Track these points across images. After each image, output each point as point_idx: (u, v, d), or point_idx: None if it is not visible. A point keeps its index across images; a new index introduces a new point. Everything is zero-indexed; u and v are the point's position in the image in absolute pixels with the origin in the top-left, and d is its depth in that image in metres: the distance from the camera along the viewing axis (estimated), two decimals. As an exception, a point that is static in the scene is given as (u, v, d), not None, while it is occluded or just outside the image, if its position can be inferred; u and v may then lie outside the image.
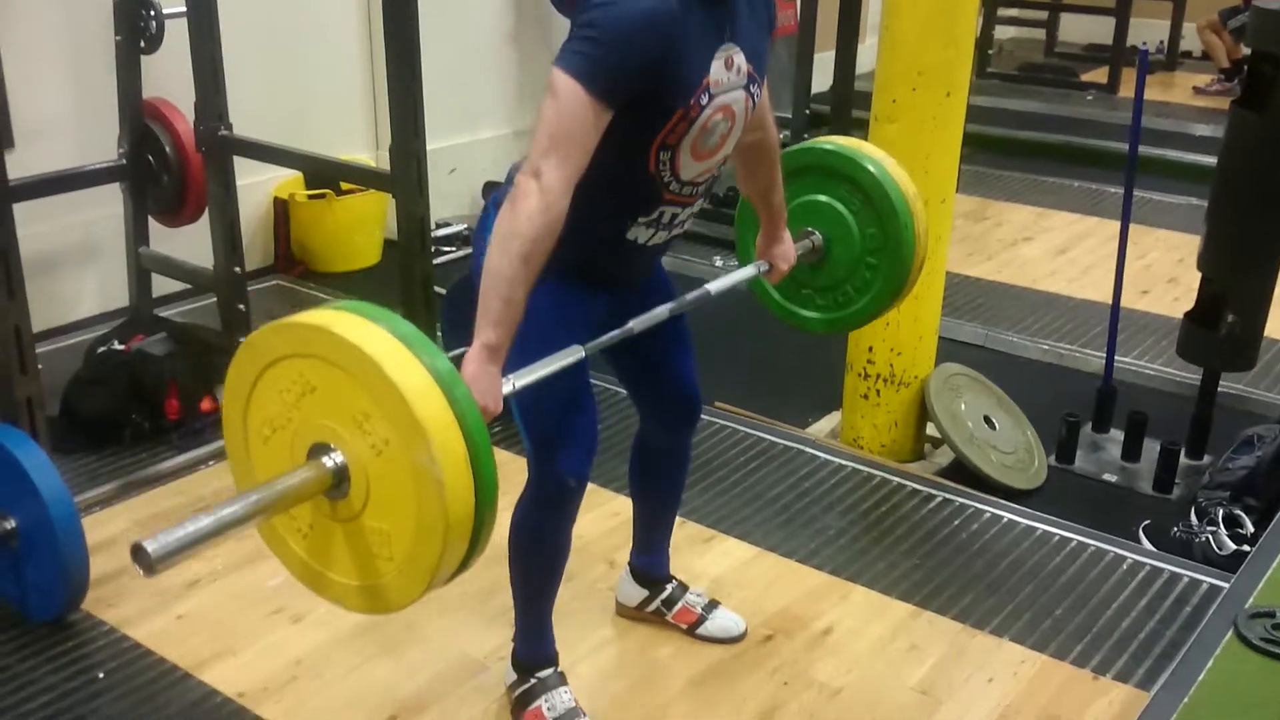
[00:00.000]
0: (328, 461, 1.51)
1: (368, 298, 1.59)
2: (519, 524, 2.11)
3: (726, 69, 1.85)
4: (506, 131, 5.32)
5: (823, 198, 2.40)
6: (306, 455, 1.54)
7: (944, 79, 2.97)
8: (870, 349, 3.20)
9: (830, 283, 2.45)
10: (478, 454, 1.47)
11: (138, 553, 1.36)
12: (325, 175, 4.29)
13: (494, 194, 2.01)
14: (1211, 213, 3.21)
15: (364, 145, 4.84)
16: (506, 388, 1.74)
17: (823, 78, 5.31)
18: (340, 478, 1.52)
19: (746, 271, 2.26)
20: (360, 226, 4.66)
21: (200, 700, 2.32)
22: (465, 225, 4.94)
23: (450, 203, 4.95)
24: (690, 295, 2.08)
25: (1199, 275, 3.29)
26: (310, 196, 4.56)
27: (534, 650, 2.22)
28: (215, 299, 3.77)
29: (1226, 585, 2.60)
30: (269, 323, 1.55)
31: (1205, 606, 2.59)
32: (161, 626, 2.53)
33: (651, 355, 2.21)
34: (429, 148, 3.21)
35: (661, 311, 2.00)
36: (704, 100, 1.82)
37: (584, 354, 1.86)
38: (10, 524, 2.41)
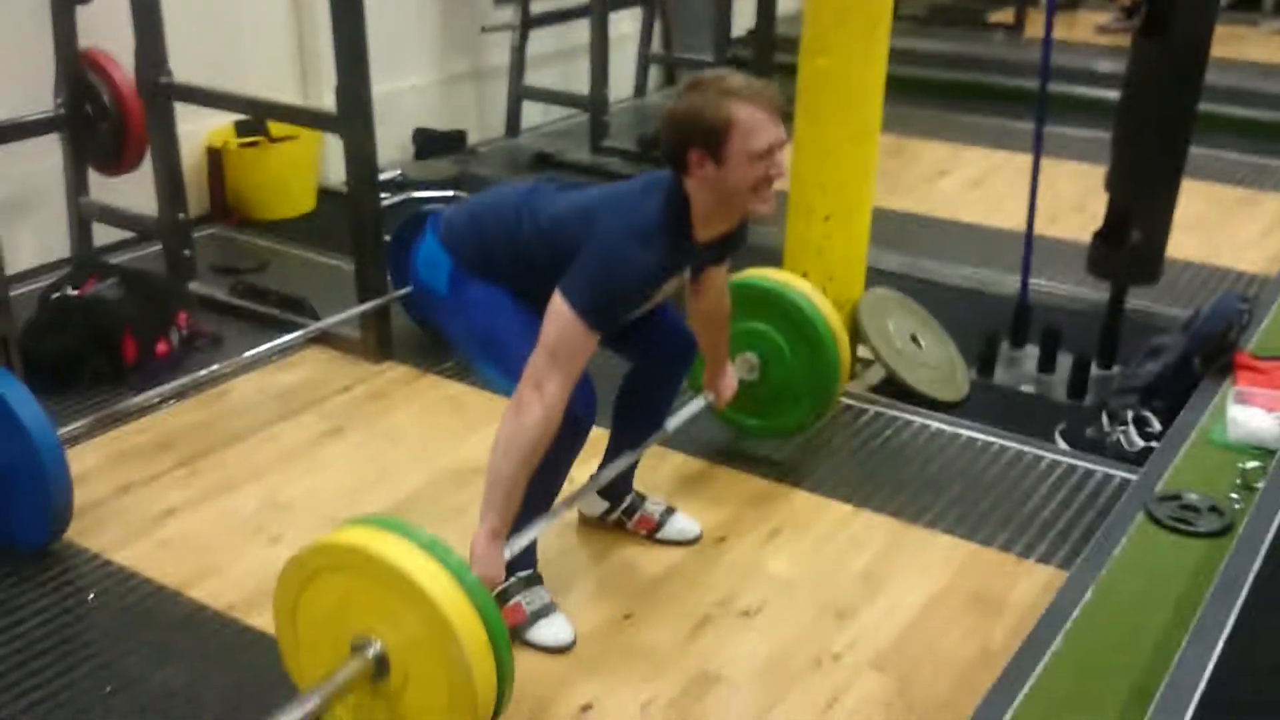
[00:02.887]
0: (369, 652, 1.86)
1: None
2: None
3: (674, 283, 2.29)
4: (433, 79, 5.38)
5: (760, 325, 2.87)
6: (350, 647, 1.87)
7: (869, 13, 3.13)
8: (805, 275, 3.37)
9: (767, 396, 2.93)
10: (496, 637, 1.81)
11: None
12: (271, 118, 4.32)
13: (430, 218, 2.39)
14: (1117, 137, 3.43)
15: (293, 91, 4.85)
16: (506, 554, 2.14)
17: (743, 20, 5.45)
18: (381, 665, 1.86)
19: (697, 404, 2.71)
20: (294, 173, 4.71)
21: (192, 614, 2.44)
22: (399, 171, 5.02)
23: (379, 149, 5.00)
24: (650, 438, 2.59)
25: (1105, 202, 3.52)
26: (242, 145, 4.60)
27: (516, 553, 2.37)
28: (157, 247, 3.84)
29: (1135, 477, 2.85)
30: (311, 543, 1.92)
31: (1118, 496, 2.83)
32: (144, 551, 2.63)
33: (638, 322, 2.41)
34: None
35: (628, 460, 2.56)
36: (650, 301, 2.26)
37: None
38: (-7, 457, 2.48)
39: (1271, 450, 2.76)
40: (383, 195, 4.78)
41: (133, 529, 2.71)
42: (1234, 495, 2.62)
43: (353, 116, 3.22)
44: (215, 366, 3.15)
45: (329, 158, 4.85)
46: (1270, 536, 2.42)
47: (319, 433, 3.13)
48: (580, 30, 5.55)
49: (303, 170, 4.73)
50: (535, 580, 2.39)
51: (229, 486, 2.89)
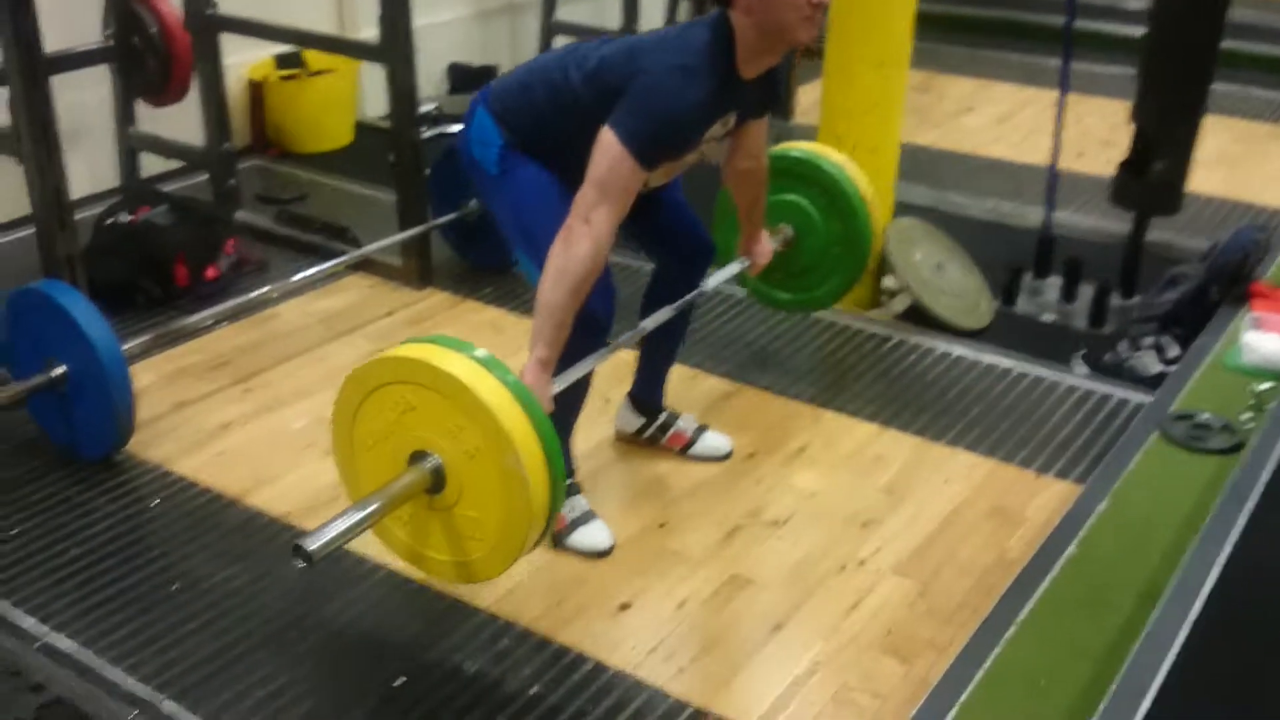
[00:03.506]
0: (427, 465, 1.91)
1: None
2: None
3: (722, 127, 2.32)
4: (467, 13, 5.45)
5: (793, 197, 2.91)
6: (407, 461, 1.93)
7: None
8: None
9: (798, 269, 2.99)
10: (550, 453, 1.87)
11: (298, 550, 1.79)
12: (318, 48, 4.40)
13: (480, 93, 2.43)
14: (1144, 68, 3.49)
15: (330, 24, 4.92)
16: (556, 387, 2.18)
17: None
18: (438, 478, 1.91)
19: (734, 268, 2.76)
20: (333, 107, 4.81)
21: (249, 520, 2.59)
22: (435, 105, 5.10)
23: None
24: (690, 295, 2.60)
25: (1131, 135, 3.58)
26: (282, 79, 4.70)
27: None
28: (203, 177, 3.96)
29: (1152, 399, 2.94)
30: (373, 358, 1.96)
31: (1134, 418, 2.93)
32: (202, 462, 2.78)
33: (661, 215, 2.52)
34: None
35: (665, 315, 2.56)
36: (691, 148, 2.28)
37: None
38: (60, 369, 2.62)
39: (1284, 373, 2.85)
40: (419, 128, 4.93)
41: (190, 442, 2.85)
42: (1246, 415, 2.72)
43: (395, 47, 3.31)
44: (264, 289, 3.27)
45: (367, 92, 4.95)
46: (1278, 455, 2.52)
47: (365, 353, 3.25)
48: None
49: (341, 104, 4.83)
50: (575, 490, 2.52)
51: (281, 403, 3.02)
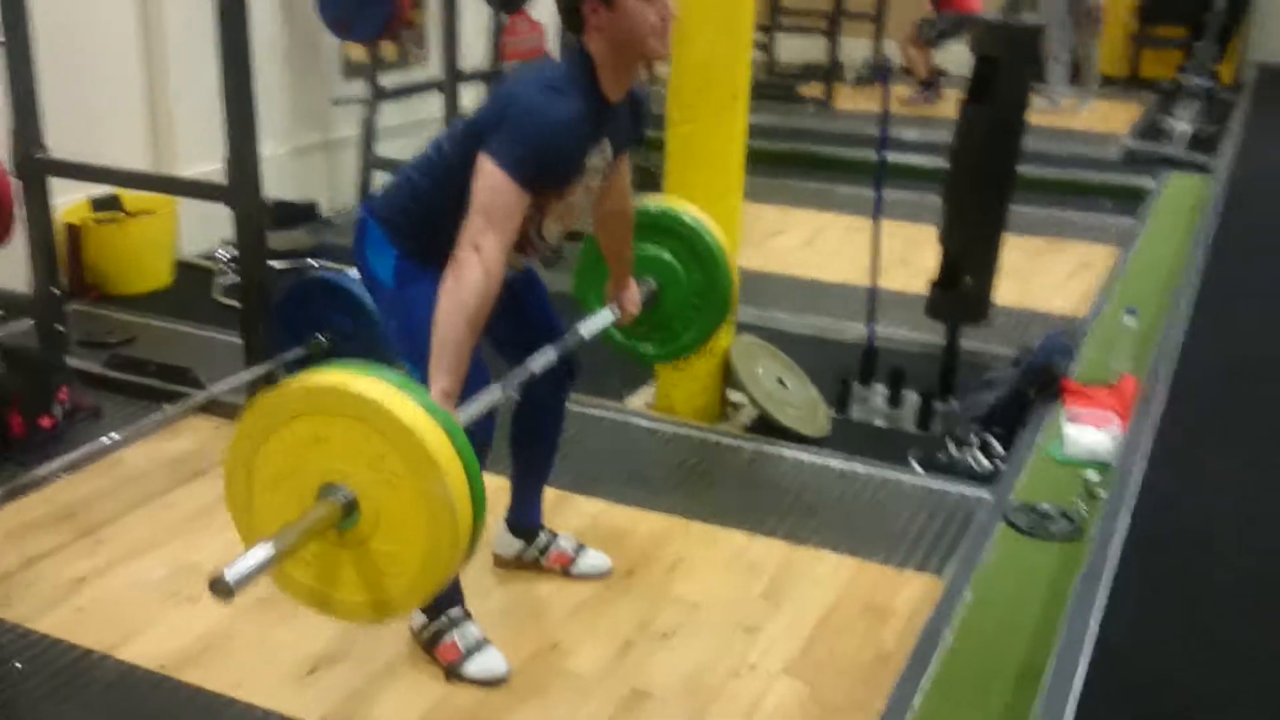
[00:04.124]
0: (339, 496, 1.84)
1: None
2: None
3: (601, 159, 2.37)
4: (283, 150, 5.45)
5: (654, 249, 2.95)
6: (316, 495, 1.85)
7: (728, 82, 3.43)
8: (679, 323, 3.63)
9: (662, 320, 3.02)
10: (473, 476, 1.84)
11: (215, 585, 1.72)
12: (159, 190, 4.35)
13: (363, 204, 2.47)
14: (949, 192, 3.82)
15: (145, 163, 4.85)
16: (462, 418, 2.11)
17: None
18: (350, 509, 1.85)
19: (605, 316, 2.75)
20: (153, 248, 4.71)
21: (125, 675, 2.46)
22: (257, 243, 5.05)
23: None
24: (567, 338, 2.59)
25: (926, 257, 3.90)
26: (99, 221, 4.58)
27: (443, 592, 2.49)
28: (26, 323, 3.81)
29: (988, 493, 3.17)
30: (276, 387, 1.90)
31: (976, 509, 3.14)
32: (62, 618, 2.63)
33: (528, 329, 2.57)
34: (204, 168, 3.36)
35: (549, 356, 2.50)
36: (576, 181, 2.31)
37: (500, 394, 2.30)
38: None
39: (1106, 463, 3.14)
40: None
41: (47, 599, 2.70)
42: (1080, 503, 2.97)
43: (243, 186, 3.30)
44: (110, 437, 3.15)
45: (185, 231, 4.87)
46: (1120, 537, 2.77)
47: (218, 496, 3.13)
48: (430, 102, 5.72)
49: (160, 244, 4.74)
50: (466, 618, 2.52)
51: (136, 553, 2.90)
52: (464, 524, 1.82)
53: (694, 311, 2.99)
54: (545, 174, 2.20)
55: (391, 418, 1.78)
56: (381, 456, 1.80)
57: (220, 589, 1.71)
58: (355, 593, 1.92)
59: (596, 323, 2.72)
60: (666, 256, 2.95)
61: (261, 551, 1.77)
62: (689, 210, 2.96)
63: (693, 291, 2.96)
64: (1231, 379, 4.11)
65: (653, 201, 3.01)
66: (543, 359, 2.49)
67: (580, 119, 2.22)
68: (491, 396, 2.25)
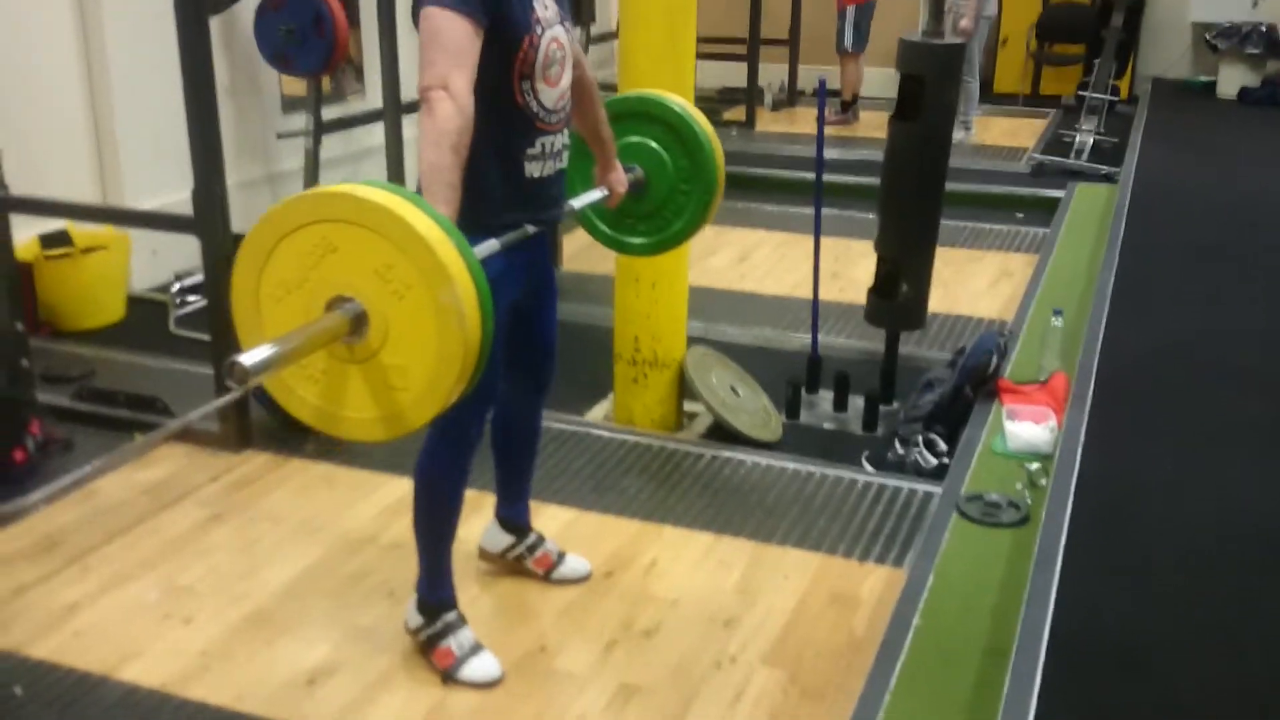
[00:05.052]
0: (348, 308, 1.81)
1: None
2: (425, 477, 2.50)
3: (544, 9, 2.32)
4: (230, 183, 5.47)
5: (638, 138, 2.91)
6: (325, 308, 1.82)
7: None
8: (636, 339, 3.78)
9: (651, 209, 2.97)
10: (481, 290, 1.82)
11: (231, 369, 1.65)
12: (124, 224, 4.40)
13: None
14: (883, 205, 4.03)
15: (92, 194, 4.88)
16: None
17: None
18: (359, 323, 1.81)
19: (594, 194, 2.72)
20: (105, 283, 4.73)
21: (125, 696, 2.53)
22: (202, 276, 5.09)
23: (185, 254, 5.09)
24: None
25: (857, 269, 4.10)
26: (49, 258, 4.60)
27: (439, 594, 2.61)
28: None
29: (938, 488, 3.37)
30: (288, 197, 1.84)
31: (928, 503, 3.33)
32: (59, 644, 2.69)
33: (534, 351, 2.68)
34: (152, 204, 3.40)
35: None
36: (539, 31, 2.28)
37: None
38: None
39: (1047, 454, 3.35)
40: (190, 299, 4.92)
41: (41, 625, 2.75)
42: (1025, 492, 3.17)
43: (211, 217, 3.38)
44: (86, 468, 3.20)
45: (136, 266, 4.91)
46: (1064, 520, 2.97)
47: (200, 520, 3.24)
48: (374, 132, 5.80)
49: (113, 279, 4.76)
50: (460, 622, 2.63)
51: (126, 577, 2.96)
52: (473, 334, 1.79)
53: (683, 197, 2.94)
54: (485, 2, 2.16)
55: (403, 224, 1.75)
56: (391, 266, 1.77)
57: (238, 373, 1.65)
58: (364, 409, 1.88)
59: (586, 198, 2.72)
60: (652, 144, 2.89)
61: (272, 346, 1.71)
62: (672, 97, 2.90)
63: (680, 178, 2.91)
64: (1149, 367, 4.38)
65: (634, 90, 2.97)
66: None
67: None
68: (489, 246, 2.21)
